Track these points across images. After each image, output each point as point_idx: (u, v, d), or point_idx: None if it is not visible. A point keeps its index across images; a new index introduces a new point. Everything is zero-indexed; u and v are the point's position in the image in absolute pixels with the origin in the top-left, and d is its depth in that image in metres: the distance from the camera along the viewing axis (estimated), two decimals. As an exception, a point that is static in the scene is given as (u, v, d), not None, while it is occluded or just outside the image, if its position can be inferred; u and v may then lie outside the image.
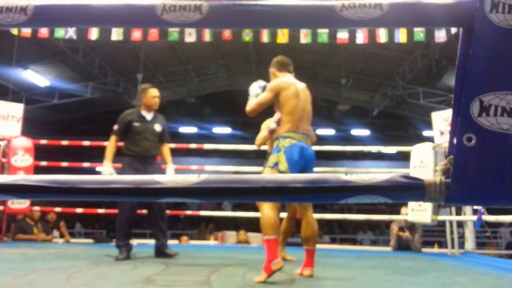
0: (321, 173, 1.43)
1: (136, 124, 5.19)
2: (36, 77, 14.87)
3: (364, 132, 21.37)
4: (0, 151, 6.63)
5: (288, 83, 3.87)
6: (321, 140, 19.00)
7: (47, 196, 1.31)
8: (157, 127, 5.30)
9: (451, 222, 6.42)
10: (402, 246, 6.93)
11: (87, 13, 1.42)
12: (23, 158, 6.70)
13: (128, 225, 5.07)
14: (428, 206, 5.65)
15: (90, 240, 8.24)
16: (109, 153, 5.11)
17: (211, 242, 9.49)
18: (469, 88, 1.22)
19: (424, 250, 7.16)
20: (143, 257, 5.05)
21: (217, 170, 11.18)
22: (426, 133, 18.01)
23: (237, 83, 19.20)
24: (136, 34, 10.22)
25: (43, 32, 9.81)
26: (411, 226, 6.94)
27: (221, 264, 4.49)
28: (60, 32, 9.88)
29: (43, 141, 7.19)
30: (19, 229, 7.36)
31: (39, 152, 7.02)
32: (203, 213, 8.71)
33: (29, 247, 6.10)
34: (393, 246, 7.09)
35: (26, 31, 9.73)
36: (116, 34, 9.98)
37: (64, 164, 7.00)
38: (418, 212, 5.86)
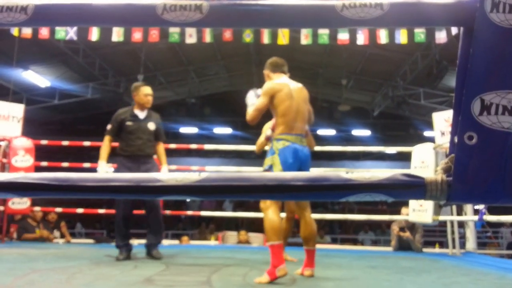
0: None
1: (128, 123, 5.10)
2: (37, 77, 14.87)
3: (365, 132, 21.37)
4: (1, 151, 6.63)
5: (280, 85, 3.85)
6: (322, 140, 19.04)
7: (48, 194, 1.32)
8: (151, 126, 5.20)
9: (452, 222, 6.42)
10: (403, 246, 6.93)
11: (87, 13, 1.42)
12: (23, 159, 6.71)
13: (124, 224, 5.01)
14: (429, 206, 5.65)
15: (90, 240, 8.25)
16: (104, 152, 5.05)
17: (212, 242, 9.49)
18: (470, 87, 1.22)
19: (425, 250, 7.15)
20: (144, 257, 5.04)
21: (217, 171, 11.18)
22: (427, 133, 18.01)
23: (237, 84, 19.22)
24: (137, 35, 10.21)
25: (44, 33, 9.82)
26: (411, 226, 6.93)
27: (222, 264, 4.49)
28: (60, 33, 9.88)
29: (44, 142, 7.19)
30: (23, 229, 7.36)
31: (40, 153, 7.03)
32: (203, 213, 8.72)
33: (30, 247, 6.10)
34: (394, 246, 7.08)
35: (27, 32, 9.73)
36: (117, 35, 9.97)
37: (65, 164, 7.01)
38: (419, 212, 5.86)
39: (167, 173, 1.32)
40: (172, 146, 7.53)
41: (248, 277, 3.62)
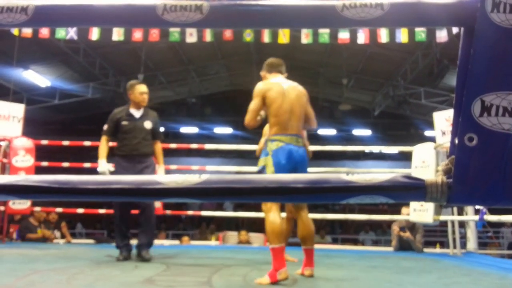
0: (322, 173, 1.42)
1: (124, 122, 5.02)
2: (37, 77, 14.88)
3: (366, 132, 21.36)
4: (1, 151, 6.64)
5: (271, 84, 3.84)
6: (323, 140, 19.05)
7: (48, 197, 1.31)
8: (147, 124, 5.09)
9: (453, 222, 6.42)
10: (404, 246, 6.92)
11: (87, 13, 1.42)
12: (24, 159, 6.71)
13: (123, 225, 4.98)
14: (430, 206, 5.64)
15: (91, 241, 8.26)
16: (102, 151, 4.99)
17: (213, 242, 9.49)
18: (471, 88, 1.22)
19: (426, 250, 7.15)
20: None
21: (218, 170, 11.18)
22: (427, 133, 18.01)
23: (238, 83, 19.21)
24: (137, 35, 10.21)
25: (44, 32, 9.81)
26: (412, 226, 6.93)
27: (223, 265, 4.49)
28: (61, 33, 9.88)
29: (44, 142, 7.19)
30: (26, 228, 7.37)
31: (40, 153, 7.03)
32: (204, 213, 8.72)
33: (30, 247, 6.10)
34: (394, 246, 7.08)
35: (27, 32, 9.73)
36: (117, 34, 9.97)
37: (65, 164, 7.00)
38: (420, 212, 5.86)
39: (167, 176, 1.31)
40: (173, 146, 7.53)
41: (249, 278, 3.62)
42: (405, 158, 7.42)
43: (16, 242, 7.07)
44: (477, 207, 5.94)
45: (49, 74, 15.28)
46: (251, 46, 14.89)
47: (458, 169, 1.22)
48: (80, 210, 7.38)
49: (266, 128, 4.92)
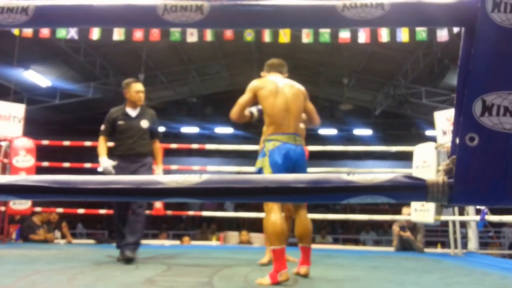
0: (323, 173, 1.42)
1: (120, 122, 4.93)
2: (38, 77, 14.88)
3: (367, 131, 21.35)
4: (2, 151, 6.64)
5: (265, 81, 3.82)
6: (323, 139, 19.03)
7: (49, 197, 1.31)
8: (144, 124, 4.97)
9: (454, 222, 6.42)
10: (405, 246, 6.92)
11: (88, 14, 1.42)
12: (24, 159, 6.71)
13: (122, 225, 4.88)
14: (431, 206, 5.64)
15: (92, 241, 8.26)
16: (101, 149, 4.87)
17: (213, 242, 9.49)
18: (472, 88, 1.22)
19: (427, 250, 7.15)
20: (145, 258, 5.04)
21: (219, 170, 11.18)
22: (428, 132, 17.98)
23: (239, 83, 19.14)
24: (138, 34, 10.21)
25: (45, 32, 9.80)
26: (413, 226, 6.93)
27: (223, 265, 4.48)
28: (61, 32, 9.88)
29: (45, 142, 7.18)
30: (29, 228, 7.38)
31: (41, 153, 7.03)
32: (205, 213, 8.72)
33: (31, 248, 6.11)
34: (395, 246, 7.08)
35: (28, 31, 9.73)
36: (118, 34, 9.97)
37: (66, 164, 7.00)
38: (421, 212, 5.85)
39: (168, 176, 1.31)
40: (173, 145, 7.53)
41: (250, 278, 3.62)
42: (406, 158, 7.40)
43: (16, 242, 7.06)
44: (478, 207, 5.94)
45: (50, 74, 15.29)
46: (252, 46, 14.89)
47: (459, 169, 1.22)
48: (81, 210, 7.38)
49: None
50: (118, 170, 4.78)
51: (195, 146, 7.86)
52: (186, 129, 21.22)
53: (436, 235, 14.94)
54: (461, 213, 6.46)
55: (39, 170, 6.82)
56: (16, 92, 14.67)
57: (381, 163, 20.81)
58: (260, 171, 3.63)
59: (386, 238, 14.83)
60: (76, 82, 16.02)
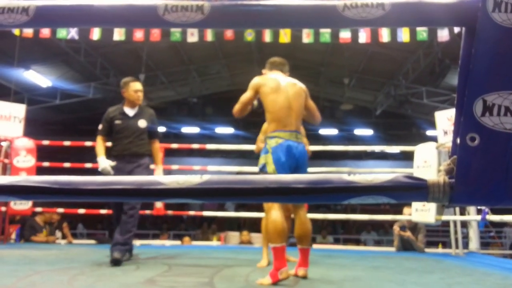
0: (324, 173, 1.42)
1: (117, 121, 4.83)
2: (38, 77, 14.89)
3: (367, 131, 21.35)
4: (2, 152, 6.63)
5: (267, 79, 3.84)
6: (324, 139, 19.03)
7: (49, 198, 1.31)
8: (141, 123, 4.86)
9: (455, 222, 6.41)
10: (406, 246, 6.92)
11: (88, 14, 1.42)
12: (25, 159, 6.70)
13: (118, 225, 4.76)
14: (432, 206, 5.63)
15: (92, 241, 8.26)
16: (100, 149, 4.77)
17: (214, 242, 9.50)
18: (472, 88, 1.21)
19: (428, 250, 7.14)
20: (146, 258, 5.04)
21: (219, 170, 11.19)
22: (429, 132, 17.99)
23: (239, 83, 19.15)
24: (138, 34, 10.22)
25: (45, 32, 9.81)
26: (414, 226, 6.93)
27: (224, 265, 4.48)
28: (62, 33, 9.89)
29: (45, 142, 7.18)
30: (32, 228, 7.38)
31: (41, 153, 7.02)
32: (206, 213, 8.72)
33: (31, 248, 6.11)
34: (396, 246, 7.08)
35: (28, 32, 9.74)
36: (118, 34, 9.98)
37: (67, 164, 7.00)
38: (422, 212, 5.85)
39: (168, 176, 1.31)
40: (174, 146, 7.53)
41: (251, 278, 3.62)
42: (407, 157, 7.41)
43: (15, 243, 7.06)
44: (480, 207, 5.94)
45: (50, 74, 15.30)
46: (252, 46, 14.90)
47: (460, 169, 1.22)
48: (81, 211, 7.37)
49: (265, 125, 4.91)
50: (115, 170, 4.71)
51: (195, 146, 7.86)
52: (187, 129, 21.23)
53: (437, 235, 14.93)
54: (462, 213, 6.45)
55: (40, 170, 6.82)
56: (16, 92, 14.68)
57: (382, 163, 20.83)
58: (263, 167, 3.64)
59: (387, 238, 14.83)
60: (76, 82, 16.03)
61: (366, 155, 21.40)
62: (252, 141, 5.07)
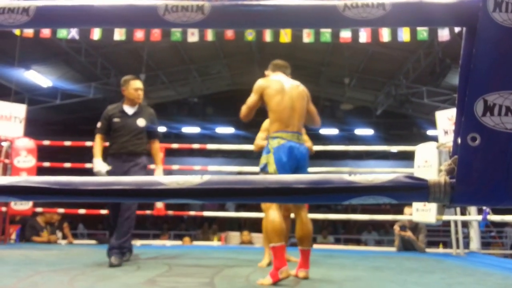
0: (324, 173, 1.41)
1: (116, 120, 4.75)
2: (39, 77, 14.89)
3: (368, 131, 21.35)
4: (3, 152, 6.63)
5: (270, 81, 3.86)
6: (325, 139, 19.03)
7: (50, 198, 1.31)
8: (140, 122, 4.77)
9: (456, 222, 6.41)
10: (407, 246, 6.92)
11: (89, 14, 1.42)
12: (26, 159, 6.70)
13: (115, 226, 4.70)
14: (433, 206, 5.63)
15: (93, 241, 8.25)
16: (97, 150, 4.72)
17: (215, 242, 9.50)
18: (473, 88, 1.21)
19: (429, 250, 7.14)
20: (146, 258, 5.04)
21: (220, 170, 11.19)
22: (430, 132, 17.98)
23: (240, 83, 19.19)
24: (139, 34, 10.22)
25: (46, 32, 9.81)
26: (415, 226, 6.93)
27: (225, 265, 4.49)
28: (62, 33, 9.89)
29: (46, 142, 7.18)
30: (33, 228, 7.38)
31: (42, 153, 7.02)
32: (206, 213, 8.72)
33: (32, 248, 6.11)
34: (397, 246, 7.08)
35: (29, 32, 9.73)
36: (119, 34, 9.98)
37: (67, 165, 7.00)
38: (423, 212, 5.85)
39: (169, 176, 1.31)
40: (175, 146, 7.53)
41: (251, 278, 3.62)
42: (408, 157, 7.41)
43: (15, 243, 7.05)
44: (480, 207, 5.94)
45: (51, 74, 15.29)
46: (253, 46, 14.90)
47: (461, 169, 1.22)
48: (82, 211, 7.37)
49: (265, 123, 4.91)
50: (111, 170, 4.64)
51: (196, 146, 7.86)
52: (187, 129, 21.24)
53: (438, 235, 14.92)
54: (463, 213, 6.45)
55: (40, 171, 6.82)
56: (17, 92, 14.68)
57: (383, 163, 20.82)
58: (265, 167, 3.65)
59: (387, 238, 14.83)
60: (77, 82, 16.02)
61: (367, 155, 21.39)
62: (253, 141, 5.05)
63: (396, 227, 7.02)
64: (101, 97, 16.74)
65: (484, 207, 5.56)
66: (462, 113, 1.23)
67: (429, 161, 5.77)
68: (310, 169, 4.10)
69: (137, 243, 7.62)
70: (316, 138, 18.16)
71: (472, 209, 6.42)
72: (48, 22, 1.52)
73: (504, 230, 14.01)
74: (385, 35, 9.89)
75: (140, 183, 1.28)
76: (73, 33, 10.07)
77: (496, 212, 5.53)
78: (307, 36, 10.37)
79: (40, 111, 16.74)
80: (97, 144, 4.78)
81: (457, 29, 9.27)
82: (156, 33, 10.40)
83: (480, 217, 5.98)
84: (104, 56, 14.84)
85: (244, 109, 3.84)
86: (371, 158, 21.47)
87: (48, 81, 15.32)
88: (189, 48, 14.67)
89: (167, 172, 6.76)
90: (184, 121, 20.29)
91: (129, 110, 4.83)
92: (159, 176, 1.30)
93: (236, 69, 18.23)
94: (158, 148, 5.00)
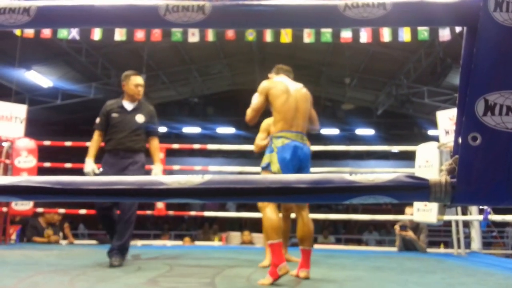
0: (325, 173, 1.41)
1: (114, 115, 4.63)
2: (39, 77, 14.90)
3: (369, 131, 21.34)
4: (4, 152, 6.63)
5: (275, 82, 3.90)
6: (325, 139, 19.02)
7: (51, 198, 1.31)
8: (139, 118, 4.65)
9: (457, 222, 6.40)
10: (408, 246, 6.91)
11: (90, 14, 1.41)
12: (26, 159, 6.70)
13: (106, 224, 4.61)
14: (434, 206, 5.63)
15: (93, 242, 8.25)
16: (92, 149, 4.63)
17: (216, 243, 9.50)
18: (474, 87, 1.21)
19: (430, 250, 7.14)
20: (147, 258, 5.04)
21: (220, 170, 11.17)
22: (431, 132, 17.99)
23: (240, 83, 19.20)
24: (139, 34, 10.23)
25: (46, 32, 9.81)
26: (416, 226, 6.92)
27: (226, 265, 4.49)
28: (63, 33, 9.89)
29: (47, 142, 7.18)
30: (34, 229, 7.37)
31: (43, 153, 7.02)
32: (207, 213, 8.72)
33: (33, 248, 6.11)
34: (398, 246, 7.07)
35: (29, 32, 9.74)
36: (119, 34, 9.97)
37: (68, 165, 7.01)
38: (424, 212, 5.84)
39: (170, 176, 1.31)
40: (175, 146, 7.53)
41: (252, 278, 3.62)
42: (409, 157, 7.41)
43: (16, 243, 7.05)
44: (481, 206, 5.93)
45: (51, 75, 15.30)
46: (254, 46, 14.89)
47: (462, 169, 1.22)
48: (83, 211, 7.38)
49: (264, 123, 4.92)
50: (108, 167, 4.55)
51: (197, 146, 7.87)
52: (188, 129, 21.24)
53: (439, 235, 14.91)
54: (464, 213, 6.45)
55: (41, 171, 6.82)
56: (17, 92, 14.68)
57: (383, 163, 20.82)
58: (268, 166, 3.66)
59: (388, 238, 14.82)
60: (77, 82, 16.03)
61: (368, 155, 21.39)
62: (253, 141, 5.04)
63: (397, 227, 7.01)
64: (102, 97, 16.70)
65: (485, 207, 5.56)
66: (463, 113, 1.23)
67: (430, 161, 5.76)
68: (311, 169, 4.11)
69: (138, 243, 7.62)
70: (317, 138, 18.18)
71: (473, 209, 6.42)
72: (49, 22, 1.52)
73: (505, 230, 14.00)
74: (386, 35, 9.89)
75: (141, 182, 1.28)
76: (74, 33, 10.07)
77: (497, 212, 5.52)
78: (308, 36, 10.37)
79: (40, 111, 16.75)
80: (94, 142, 4.70)
81: (458, 29, 9.27)
82: (156, 33, 10.40)
83: (481, 217, 5.98)
84: (104, 56, 14.85)
85: (249, 112, 3.85)
86: (372, 158, 21.47)
87: (48, 81, 15.32)
88: (190, 48, 14.67)
89: (168, 172, 6.76)
90: (185, 121, 20.30)
91: (128, 105, 4.73)
92: (161, 176, 1.30)
93: (236, 69, 18.23)
94: (157, 146, 4.85)
